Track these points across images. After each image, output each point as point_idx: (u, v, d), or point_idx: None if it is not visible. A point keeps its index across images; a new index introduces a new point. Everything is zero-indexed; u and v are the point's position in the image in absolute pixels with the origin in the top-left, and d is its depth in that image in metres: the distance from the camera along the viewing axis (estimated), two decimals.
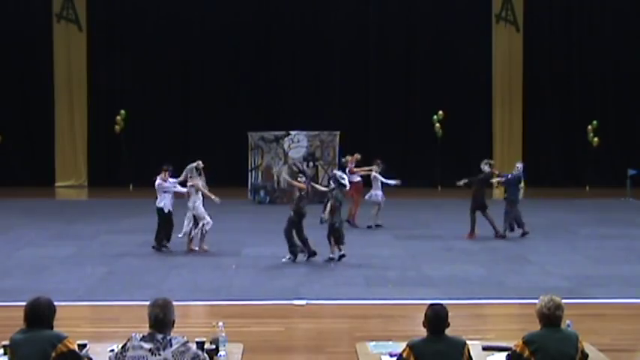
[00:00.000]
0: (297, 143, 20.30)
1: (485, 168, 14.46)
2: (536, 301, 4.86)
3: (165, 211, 12.68)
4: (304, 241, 11.87)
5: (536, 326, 4.80)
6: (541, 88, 24.48)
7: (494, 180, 14.77)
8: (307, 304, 9.28)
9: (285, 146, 20.24)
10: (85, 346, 5.14)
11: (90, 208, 19.40)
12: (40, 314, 4.57)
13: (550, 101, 24.60)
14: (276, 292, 9.87)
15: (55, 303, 4.69)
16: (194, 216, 12.61)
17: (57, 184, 23.86)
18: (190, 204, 12.60)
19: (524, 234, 14.25)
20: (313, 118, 22.87)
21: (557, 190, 22.96)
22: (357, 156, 16.02)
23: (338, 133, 20.85)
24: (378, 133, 24.27)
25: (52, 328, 4.60)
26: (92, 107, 24.14)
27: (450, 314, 4.72)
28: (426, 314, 4.72)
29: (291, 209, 11.87)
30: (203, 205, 12.61)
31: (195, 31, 24.34)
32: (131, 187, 23.09)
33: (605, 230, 15.35)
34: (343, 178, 12.03)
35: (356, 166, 15.72)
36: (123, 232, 14.97)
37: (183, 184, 12.78)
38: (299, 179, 12.02)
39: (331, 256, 11.87)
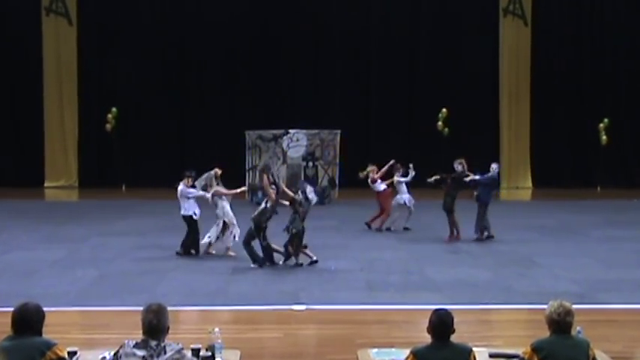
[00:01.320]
0: (297, 142, 20.29)
1: (458, 168, 14.37)
2: (545, 306, 4.85)
3: (195, 217, 12.64)
4: (266, 248, 11.83)
5: (545, 332, 4.80)
6: (550, 84, 24.44)
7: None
8: (307, 309, 9.28)
9: (284, 145, 20.24)
10: (75, 353, 5.13)
11: (81, 209, 19.39)
12: (28, 320, 4.55)
13: (559, 98, 24.57)
14: (275, 296, 9.87)
15: (45, 308, 4.67)
16: (224, 222, 12.61)
17: (46, 184, 23.85)
18: (219, 211, 12.61)
19: (488, 237, 14.13)
20: (313, 116, 22.87)
21: (566, 190, 22.96)
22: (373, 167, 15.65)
23: (339, 131, 20.85)
24: (379, 132, 24.27)
25: (40, 334, 4.59)
26: (83, 104, 24.12)
27: (455, 320, 4.71)
28: (430, 320, 4.71)
29: (251, 219, 11.87)
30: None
31: (190, 25, 24.31)
32: (124, 187, 23.09)
33: (616, 232, 15.34)
34: (311, 193, 12.12)
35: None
36: (115, 234, 14.97)
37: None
38: (272, 188, 12.03)
39: (298, 262, 11.88)
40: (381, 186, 15.25)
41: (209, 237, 12.68)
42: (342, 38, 24.46)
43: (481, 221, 14.14)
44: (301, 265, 11.79)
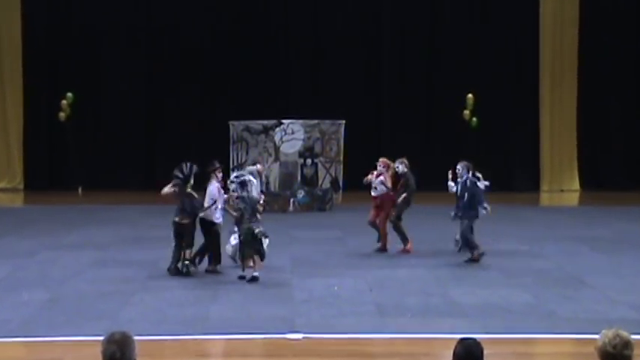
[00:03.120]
0: (292, 135, 20.28)
1: (400, 168, 14.29)
2: (596, 336, 4.83)
3: (216, 222, 12.69)
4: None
5: None
6: (602, 66, 24.38)
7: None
8: (304, 338, 9.26)
9: (277, 139, 20.22)
10: None
11: (27, 217, 19.36)
12: None
13: (613, 81, 24.49)
14: (266, 323, 9.85)
15: None
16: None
17: None
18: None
19: (460, 250, 14.09)
20: (312, 104, 22.84)
21: (622, 194, 22.94)
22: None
23: (343, 122, 20.83)
24: (392, 122, 24.25)
25: None
26: (29, 87, 24.03)
27: (485, 352, 4.69)
28: (454, 352, 4.69)
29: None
30: None
31: None
32: (80, 190, 23.05)
33: None
34: (249, 180, 12.40)
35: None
36: (69, 247, 14.93)
37: None
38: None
39: (241, 274, 12.14)
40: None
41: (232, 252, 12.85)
42: (347, 11, 24.38)
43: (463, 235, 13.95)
44: (253, 279, 11.98)
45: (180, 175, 12.63)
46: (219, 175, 12.85)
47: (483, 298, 11.15)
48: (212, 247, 12.72)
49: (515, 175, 24.24)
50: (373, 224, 14.46)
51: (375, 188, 14.29)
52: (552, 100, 24.48)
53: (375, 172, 14.35)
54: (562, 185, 24.51)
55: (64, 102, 22.81)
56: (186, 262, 12.48)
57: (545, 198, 23.48)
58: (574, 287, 11.92)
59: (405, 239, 14.35)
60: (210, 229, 12.60)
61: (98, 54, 24.08)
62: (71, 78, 23.71)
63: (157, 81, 24.52)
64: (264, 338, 9.32)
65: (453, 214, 13.90)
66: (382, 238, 14.37)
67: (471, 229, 13.78)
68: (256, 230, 12.08)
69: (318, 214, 18.87)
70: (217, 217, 12.65)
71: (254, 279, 11.98)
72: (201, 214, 12.57)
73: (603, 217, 19.16)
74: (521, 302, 11.01)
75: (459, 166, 13.98)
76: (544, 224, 17.76)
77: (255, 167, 13.50)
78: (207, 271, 12.69)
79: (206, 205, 12.53)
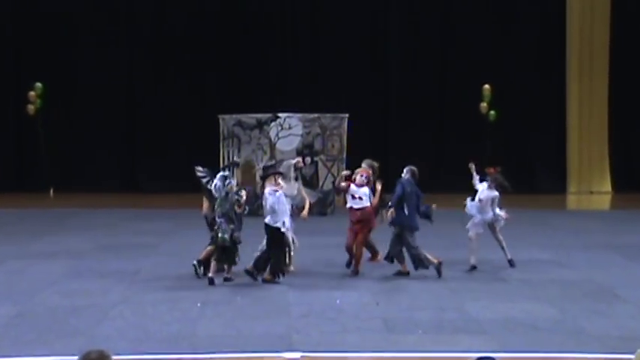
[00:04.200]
0: (289, 130, 20.28)
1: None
2: (631, 356, 4.84)
3: (283, 229, 12.84)
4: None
5: None
6: (636, 55, 24.42)
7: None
8: (303, 357, 9.24)
9: (272, 134, 20.22)
10: None
11: None
12: None
13: None
14: (260, 340, 9.85)
15: None
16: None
17: None
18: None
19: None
20: (311, 96, 22.86)
21: None
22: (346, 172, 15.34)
23: (346, 116, 20.84)
24: (401, 116, 24.28)
25: None
26: None
27: None
28: None
29: None
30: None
31: None
32: (52, 192, 23.06)
33: None
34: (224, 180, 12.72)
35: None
36: (39, 256, 14.91)
37: None
38: None
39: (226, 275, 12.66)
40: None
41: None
42: None
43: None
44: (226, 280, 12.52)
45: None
46: (280, 180, 13.01)
47: (503, 313, 11.14)
48: (273, 255, 12.92)
49: (540, 175, 24.29)
50: (350, 249, 13.80)
51: (361, 199, 13.53)
52: (581, 93, 24.52)
53: (357, 181, 13.63)
54: (591, 186, 24.53)
55: (32, 93, 22.82)
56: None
57: (572, 200, 23.49)
58: (605, 301, 11.91)
59: (375, 251, 14.27)
60: (277, 236, 12.90)
61: (72, 39, 24.08)
62: (40, 66, 23.70)
63: (137, 70, 24.55)
64: (258, 358, 9.30)
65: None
66: (356, 260, 13.61)
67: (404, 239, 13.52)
68: (235, 234, 12.59)
69: (318, 219, 18.83)
70: (285, 222, 12.91)
71: (227, 279, 12.59)
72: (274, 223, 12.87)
73: (638, 221, 19.15)
74: (546, 317, 11.00)
75: (404, 170, 13.68)
76: (571, 230, 17.77)
77: (293, 161, 13.53)
78: (264, 280, 12.86)
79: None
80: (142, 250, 15.38)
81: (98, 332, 10.16)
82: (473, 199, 13.86)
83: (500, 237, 13.89)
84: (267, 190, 12.96)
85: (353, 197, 13.55)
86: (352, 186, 13.57)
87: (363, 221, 13.60)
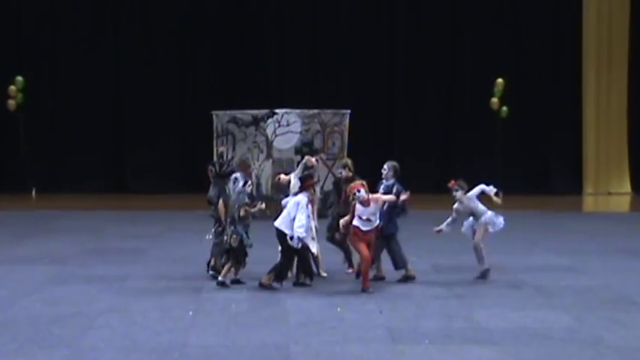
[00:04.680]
0: (287, 127, 20.27)
1: (343, 174, 13.81)
2: None
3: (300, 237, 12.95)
4: None
5: None
6: None
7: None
8: None
9: (269, 132, 20.22)
10: None
11: None
12: None
13: None
14: (255, 351, 9.84)
15: None
16: None
17: None
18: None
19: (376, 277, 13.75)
20: (311, 91, 22.88)
21: None
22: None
23: (348, 112, 20.83)
24: (406, 112, 24.29)
25: None
26: None
27: None
28: None
29: None
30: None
31: None
32: (34, 193, 23.07)
33: None
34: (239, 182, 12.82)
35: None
36: (21, 261, 14.93)
37: None
38: None
39: (221, 279, 12.82)
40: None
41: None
42: None
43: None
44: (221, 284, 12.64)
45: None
46: (316, 188, 13.30)
47: (515, 322, 11.14)
48: (303, 260, 13.13)
49: (554, 175, 24.31)
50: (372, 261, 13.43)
51: (369, 220, 12.80)
52: (598, 89, 24.55)
53: (359, 199, 12.73)
54: (609, 187, 24.56)
55: (12, 88, 22.83)
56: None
57: (589, 202, 23.51)
58: (624, 309, 11.90)
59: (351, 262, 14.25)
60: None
61: (54, 31, 24.10)
62: (21, 61, 23.72)
63: (125, 63, 24.54)
64: None
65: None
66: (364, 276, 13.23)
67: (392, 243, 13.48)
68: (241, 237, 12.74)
69: (318, 220, 18.83)
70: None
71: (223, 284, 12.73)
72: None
73: None
74: (561, 327, 10.99)
75: (385, 166, 13.43)
76: (588, 233, 17.76)
77: (304, 159, 13.70)
78: (294, 284, 13.09)
79: None
80: (130, 254, 15.38)
81: (83, 342, 10.14)
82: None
83: (482, 245, 13.72)
84: (302, 196, 12.95)
85: (360, 218, 12.73)
86: (358, 206, 12.66)
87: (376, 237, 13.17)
